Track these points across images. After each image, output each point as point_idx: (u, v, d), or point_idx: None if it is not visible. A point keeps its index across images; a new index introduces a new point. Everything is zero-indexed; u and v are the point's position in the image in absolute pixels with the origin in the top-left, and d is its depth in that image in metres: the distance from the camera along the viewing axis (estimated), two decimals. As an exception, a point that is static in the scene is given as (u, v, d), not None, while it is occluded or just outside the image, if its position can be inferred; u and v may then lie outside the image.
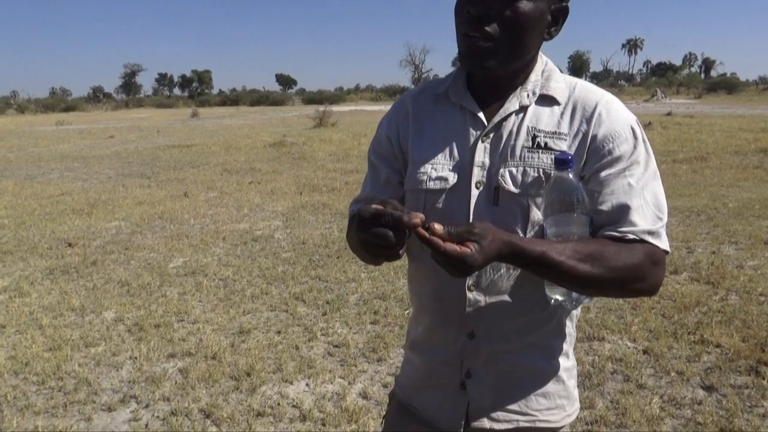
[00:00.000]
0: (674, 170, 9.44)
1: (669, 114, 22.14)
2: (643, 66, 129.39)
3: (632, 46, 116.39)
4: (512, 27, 0.95)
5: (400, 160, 1.13)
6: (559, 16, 1.01)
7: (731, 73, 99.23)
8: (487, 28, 0.94)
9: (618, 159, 0.98)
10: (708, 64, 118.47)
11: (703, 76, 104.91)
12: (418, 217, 0.83)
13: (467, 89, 1.07)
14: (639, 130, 1.01)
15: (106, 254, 5.49)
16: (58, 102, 64.20)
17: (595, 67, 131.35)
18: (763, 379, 2.89)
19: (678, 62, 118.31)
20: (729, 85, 59.66)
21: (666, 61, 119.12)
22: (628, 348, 3.30)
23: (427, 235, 0.83)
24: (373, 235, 0.84)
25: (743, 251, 5.03)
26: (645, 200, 0.98)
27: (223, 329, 3.72)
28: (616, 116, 1.00)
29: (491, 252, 0.85)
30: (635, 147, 0.99)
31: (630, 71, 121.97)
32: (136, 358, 3.32)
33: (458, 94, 1.07)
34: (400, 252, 0.89)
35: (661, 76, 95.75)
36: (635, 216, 0.96)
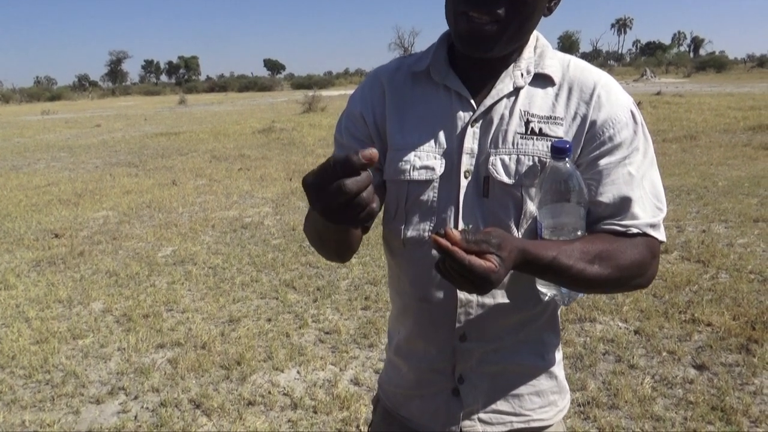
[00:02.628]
0: (664, 149, 9.43)
1: (658, 93, 22.11)
2: (633, 46, 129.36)
3: (621, 26, 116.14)
4: (521, 7, 0.86)
5: (378, 144, 1.00)
6: None
7: (720, 52, 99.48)
8: (497, 11, 0.85)
9: (618, 146, 0.91)
10: (697, 43, 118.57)
11: (692, 55, 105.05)
12: (369, 151, 0.65)
13: (450, 67, 0.97)
14: (638, 114, 0.94)
15: (93, 245, 5.42)
16: (43, 91, 63.34)
17: (585, 47, 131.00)
18: (754, 356, 2.90)
19: (667, 41, 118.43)
20: (718, 64, 59.70)
21: (655, 40, 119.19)
22: (620, 328, 3.30)
23: (448, 245, 0.72)
24: (328, 194, 0.67)
25: (733, 229, 5.04)
26: (645, 191, 0.92)
27: (213, 318, 3.69)
28: (616, 99, 0.93)
29: (510, 265, 0.78)
30: (635, 133, 0.93)
31: (619, 51, 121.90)
32: (124, 349, 3.28)
33: (441, 72, 0.97)
34: (374, 207, 0.69)
35: (651, 55, 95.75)
36: (637, 208, 0.91)
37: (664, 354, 3.00)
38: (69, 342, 3.41)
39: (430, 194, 0.95)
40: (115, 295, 4.11)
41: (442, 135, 0.95)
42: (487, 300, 0.96)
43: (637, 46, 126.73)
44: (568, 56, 0.98)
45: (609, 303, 3.60)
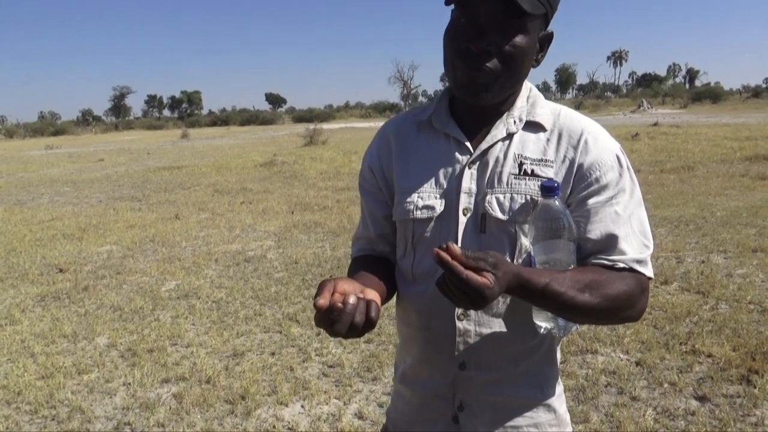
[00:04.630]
0: (662, 180, 9.54)
1: (655, 124, 22.39)
2: (629, 77, 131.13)
3: (617, 58, 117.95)
4: (511, 61, 0.96)
5: (385, 191, 1.12)
6: (545, 42, 1.03)
7: (715, 83, 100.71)
8: (487, 64, 0.95)
9: (605, 187, 0.99)
10: (692, 74, 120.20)
11: (687, 86, 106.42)
12: (317, 302, 0.82)
13: (450, 116, 1.07)
14: (624, 159, 1.02)
15: (97, 279, 5.46)
16: (47, 126, 64.11)
17: (582, 79, 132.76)
18: (755, 387, 2.92)
19: (662, 73, 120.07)
20: (713, 95, 60.48)
21: (651, 72, 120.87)
22: (621, 360, 3.32)
23: (448, 258, 0.79)
24: (332, 332, 0.83)
25: (732, 260, 5.09)
26: (632, 228, 0.99)
27: (217, 352, 3.71)
28: (603, 145, 1.01)
29: (504, 285, 0.84)
30: (621, 175, 1.00)
31: (616, 83, 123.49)
32: (129, 384, 3.30)
33: (442, 121, 1.07)
34: (372, 318, 0.84)
35: (647, 86, 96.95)
36: (624, 244, 0.98)
37: (666, 385, 3.02)
38: (74, 377, 3.43)
39: (432, 231, 1.04)
40: (120, 330, 4.14)
41: (442, 176, 1.05)
42: (485, 330, 1.03)
43: (633, 78, 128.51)
44: (559, 106, 1.07)
45: (610, 335, 3.63)
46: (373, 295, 0.88)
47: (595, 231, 0.98)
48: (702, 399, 2.88)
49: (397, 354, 1.22)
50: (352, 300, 0.82)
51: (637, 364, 3.27)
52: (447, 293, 0.83)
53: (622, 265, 0.97)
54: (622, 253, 0.97)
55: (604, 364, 3.28)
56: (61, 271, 5.80)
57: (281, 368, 3.44)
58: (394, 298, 1.15)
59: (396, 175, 1.10)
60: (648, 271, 1.00)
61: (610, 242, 0.98)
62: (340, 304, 0.81)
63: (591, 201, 0.99)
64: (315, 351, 3.65)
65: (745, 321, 3.73)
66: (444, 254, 0.79)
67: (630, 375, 3.13)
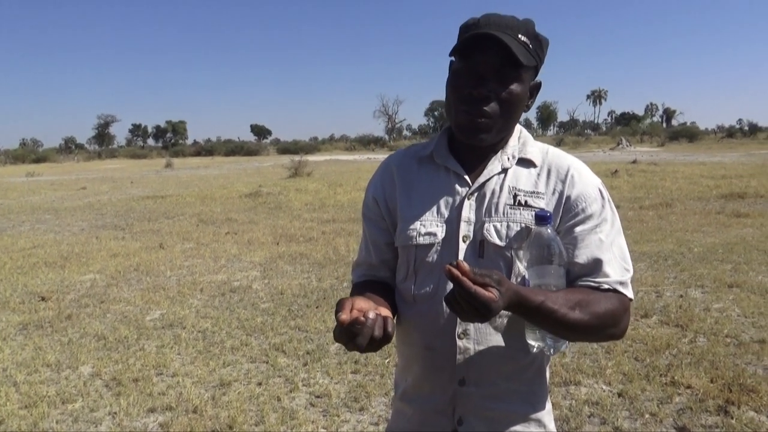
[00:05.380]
0: (641, 216, 9.76)
1: (634, 162, 22.94)
2: (608, 116, 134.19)
3: (597, 97, 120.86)
4: (507, 106, 1.09)
5: (387, 219, 1.22)
6: (535, 90, 1.16)
7: (691, 123, 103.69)
8: (486, 108, 1.07)
9: (590, 217, 1.11)
10: (669, 114, 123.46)
11: (664, 125, 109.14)
12: (341, 317, 0.91)
13: (450, 152, 1.19)
14: (605, 192, 1.15)
15: (81, 308, 5.42)
16: (29, 153, 63.46)
17: (562, 116, 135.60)
18: (732, 418, 3.00)
19: (640, 112, 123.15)
20: (690, 134, 62.15)
21: (629, 111, 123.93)
22: (604, 391, 3.39)
23: (458, 274, 0.87)
24: (354, 347, 0.92)
25: (709, 294, 5.22)
26: (614, 254, 1.10)
27: (204, 382, 3.70)
28: (586, 179, 1.14)
29: (507, 300, 0.93)
30: (603, 206, 1.13)
31: (596, 121, 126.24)
32: (115, 413, 3.28)
33: (443, 156, 1.19)
34: (389, 333, 0.93)
35: (626, 125, 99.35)
36: (608, 268, 1.08)
37: (647, 416, 3.09)
38: (58, 406, 3.40)
39: (434, 256, 1.14)
40: (104, 359, 4.11)
41: (443, 206, 1.15)
42: (483, 348, 1.12)
43: (612, 116, 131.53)
44: (546, 145, 1.21)
45: (593, 366, 3.70)
46: (387, 312, 0.96)
47: (582, 256, 1.09)
48: (682, 429, 2.94)
49: (397, 374, 1.30)
50: (371, 315, 0.91)
51: (619, 395, 3.34)
52: (455, 307, 0.91)
53: (606, 286, 1.08)
54: (606, 275, 1.08)
55: (587, 395, 3.34)
56: (43, 299, 5.74)
57: (268, 398, 3.44)
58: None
59: (399, 205, 1.20)
60: (629, 292, 1.10)
61: (595, 266, 1.09)
62: (362, 318, 0.90)
63: (578, 229, 1.10)
64: (302, 381, 3.67)
65: (723, 354, 3.83)
66: (455, 270, 0.88)
67: (612, 406, 3.20)
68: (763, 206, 10.49)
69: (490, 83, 1.07)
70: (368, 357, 3.98)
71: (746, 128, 66.11)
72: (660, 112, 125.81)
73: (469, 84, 1.07)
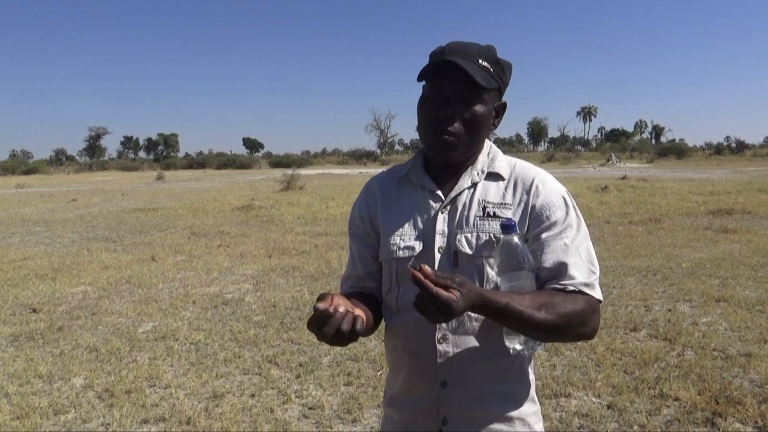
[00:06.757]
0: (630, 231, 9.86)
1: (624, 177, 23.14)
2: (598, 132, 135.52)
3: (587, 114, 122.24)
4: (471, 125, 1.18)
5: (372, 235, 1.32)
6: (500, 110, 1.26)
7: (680, 139, 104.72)
8: (450, 128, 1.17)
9: (554, 224, 1.18)
10: (658, 131, 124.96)
11: (653, 141, 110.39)
12: (320, 307, 0.98)
13: (425, 171, 1.29)
14: (569, 199, 1.23)
15: (72, 320, 5.41)
16: (19, 164, 63.16)
17: (553, 132, 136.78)
18: (719, 430, 3.05)
19: (630, 129, 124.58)
20: (678, 150, 62.75)
21: (619, 127, 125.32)
22: (593, 403, 3.43)
23: (421, 277, 0.94)
24: (321, 336, 0.98)
25: (697, 308, 5.30)
26: (580, 257, 1.18)
27: (196, 394, 3.71)
28: (550, 188, 1.22)
29: (469, 301, 0.99)
30: (567, 213, 1.20)
31: (586, 137, 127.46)
32: (108, 424, 3.29)
33: (418, 175, 1.29)
34: (357, 330, 0.99)
35: (615, 141, 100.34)
36: (573, 271, 1.16)
37: (636, 428, 3.13)
38: (51, 417, 3.39)
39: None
40: (97, 371, 4.11)
41: (419, 221, 1.25)
42: (461, 351, 1.19)
43: (602, 133, 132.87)
44: (515, 159, 1.30)
45: (582, 378, 3.75)
46: (360, 312, 1.03)
47: (548, 260, 1.17)
48: (670, 441, 2.99)
49: (386, 383, 1.38)
50: (341, 309, 0.98)
51: (609, 407, 3.38)
52: (421, 309, 0.98)
53: (572, 288, 1.15)
54: (572, 278, 1.15)
55: (577, 407, 3.38)
56: (34, 311, 5.72)
57: (261, 410, 3.46)
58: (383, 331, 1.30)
59: (381, 221, 1.30)
60: (596, 293, 1.17)
61: (561, 269, 1.16)
62: (331, 310, 0.97)
63: (544, 235, 1.18)
64: (295, 393, 3.68)
65: (710, 367, 3.89)
66: (418, 274, 0.95)
67: (602, 418, 3.24)
68: (750, 222, 10.63)
69: (453, 105, 1.16)
70: (361, 369, 4.01)
71: (734, 145, 66.84)
72: (649, 128, 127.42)
73: (435, 107, 1.17)
